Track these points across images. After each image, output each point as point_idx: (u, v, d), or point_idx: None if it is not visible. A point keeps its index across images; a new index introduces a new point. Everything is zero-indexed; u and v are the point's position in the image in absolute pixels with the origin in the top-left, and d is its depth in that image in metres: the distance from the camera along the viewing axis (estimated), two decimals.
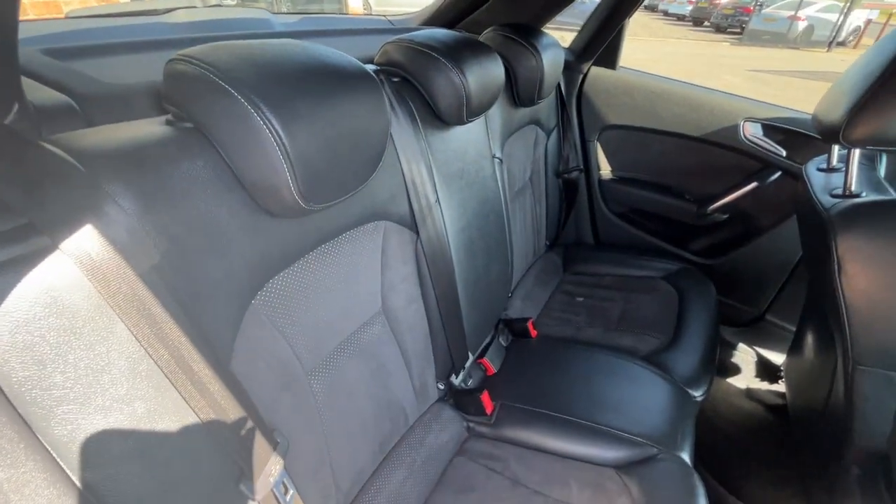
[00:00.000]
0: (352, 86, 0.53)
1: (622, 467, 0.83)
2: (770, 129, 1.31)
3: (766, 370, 1.47)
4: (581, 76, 1.53)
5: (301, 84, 0.48)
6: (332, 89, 0.51)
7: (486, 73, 0.87)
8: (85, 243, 0.36)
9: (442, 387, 0.97)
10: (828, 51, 11.58)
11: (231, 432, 0.47)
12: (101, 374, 0.38)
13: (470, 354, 1.02)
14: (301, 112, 0.47)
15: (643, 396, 0.97)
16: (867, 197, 0.81)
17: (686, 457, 0.86)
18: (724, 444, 1.27)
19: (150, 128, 0.47)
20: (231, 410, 0.47)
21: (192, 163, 0.46)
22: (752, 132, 1.32)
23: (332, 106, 0.50)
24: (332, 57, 0.54)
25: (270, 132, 0.44)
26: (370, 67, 0.82)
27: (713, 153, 1.40)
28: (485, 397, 0.96)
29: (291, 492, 0.56)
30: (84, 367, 0.37)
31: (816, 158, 1.03)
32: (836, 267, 0.78)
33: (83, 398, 0.37)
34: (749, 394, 1.42)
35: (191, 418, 0.44)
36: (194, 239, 0.46)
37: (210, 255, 0.47)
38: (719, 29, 13.87)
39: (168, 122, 0.49)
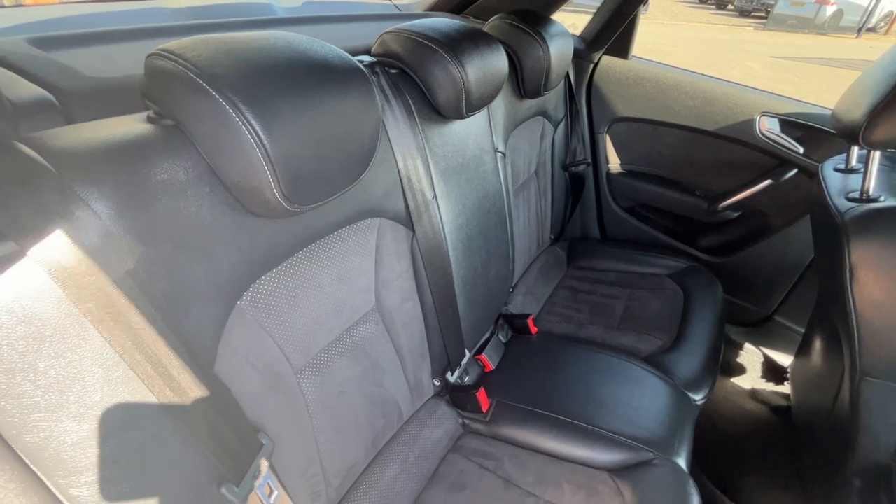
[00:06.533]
0: (339, 82, 0.51)
1: (616, 471, 0.82)
2: (787, 124, 1.25)
3: (773, 371, 1.44)
4: (591, 66, 1.48)
5: (284, 81, 0.46)
6: (317, 86, 0.49)
7: (488, 66, 0.84)
8: (54, 249, 0.35)
9: (438, 383, 0.97)
10: (857, 37, 11.14)
11: (212, 436, 0.47)
12: (74, 382, 0.37)
13: (467, 351, 1.01)
14: (283, 111, 0.45)
15: (642, 399, 0.95)
16: (885, 202, 0.77)
17: (682, 462, 0.85)
18: (725, 445, 1.25)
19: (129, 126, 0.45)
20: (212, 415, 0.47)
21: (172, 162, 0.45)
22: (768, 127, 1.27)
23: (316, 104, 0.48)
24: (319, 51, 0.51)
25: (250, 133, 0.43)
26: (367, 59, 0.79)
27: (727, 148, 1.35)
28: (481, 395, 0.96)
29: (276, 493, 0.56)
30: (55, 375, 0.36)
31: (834, 158, 0.99)
32: (847, 274, 0.75)
33: (55, 406, 0.36)
34: (753, 395, 1.40)
35: (169, 424, 0.43)
36: (173, 241, 0.45)
37: (190, 257, 0.46)
38: (743, 13, 13.40)
39: (149, 120, 0.47)
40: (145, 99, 0.48)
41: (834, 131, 1.18)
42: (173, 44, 0.46)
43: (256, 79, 0.44)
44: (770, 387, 1.42)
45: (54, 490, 0.37)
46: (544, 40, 1.06)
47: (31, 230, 0.35)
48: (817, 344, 1.04)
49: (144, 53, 0.47)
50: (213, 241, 0.49)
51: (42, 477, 0.36)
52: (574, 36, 1.45)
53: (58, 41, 0.60)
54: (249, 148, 0.43)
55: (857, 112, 0.75)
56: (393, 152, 0.75)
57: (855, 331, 0.75)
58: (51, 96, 0.48)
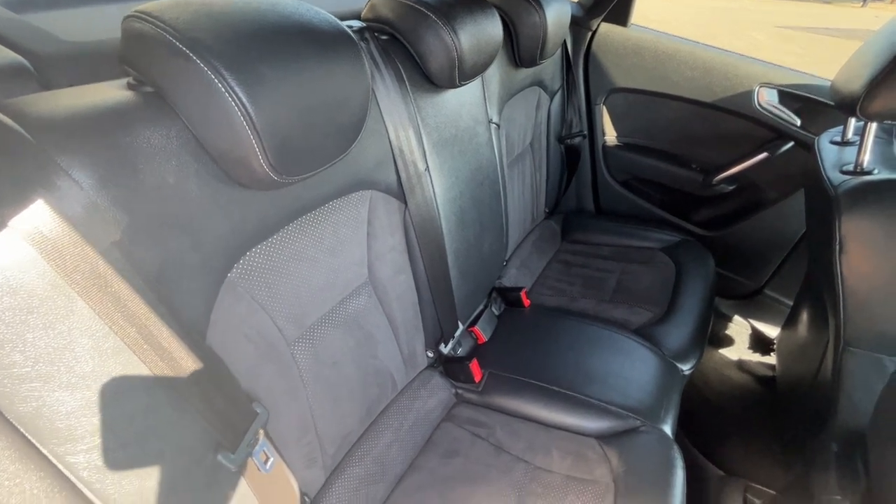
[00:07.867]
0: (327, 48, 0.49)
1: (604, 438, 0.85)
2: (786, 96, 1.24)
3: (760, 343, 1.48)
4: (590, 34, 1.44)
5: (269, 46, 0.44)
6: (304, 52, 0.47)
7: (482, 33, 0.81)
8: (37, 220, 0.35)
9: (431, 355, 0.98)
10: (863, 5, 10.87)
11: (206, 406, 0.48)
12: (63, 353, 0.37)
13: (460, 324, 1.02)
14: (268, 77, 0.43)
15: (630, 369, 0.97)
16: (878, 175, 0.77)
17: (668, 429, 0.87)
18: (710, 413, 1.29)
19: (109, 92, 0.44)
20: (206, 384, 0.47)
21: (154, 131, 0.43)
22: (767, 99, 1.25)
23: (303, 71, 0.46)
24: (305, 15, 0.49)
25: (233, 100, 0.41)
26: (356, 24, 0.77)
27: (724, 120, 1.34)
28: (474, 366, 0.97)
29: (272, 459, 0.57)
30: (44, 346, 0.36)
31: (831, 130, 0.98)
32: (836, 246, 0.75)
33: (46, 376, 0.36)
34: (740, 365, 1.44)
35: (162, 394, 0.44)
36: (159, 212, 0.44)
37: (177, 228, 0.46)
38: None
39: (129, 87, 0.46)
40: (123, 64, 0.46)
41: (832, 103, 1.16)
42: (151, 5, 0.44)
43: (239, 43, 0.43)
44: (756, 357, 1.45)
45: (51, 457, 0.38)
46: (541, 6, 1.02)
47: (12, 200, 0.34)
48: (804, 316, 1.06)
49: (123, 16, 0.45)
50: (200, 212, 0.48)
51: (38, 445, 0.37)
52: (572, 2, 1.40)
53: (32, 2, 0.57)
54: (233, 116, 0.42)
55: (856, 83, 0.74)
56: (384, 122, 0.74)
57: (841, 302, 0.77)
58: (25, 61, 0.46)
